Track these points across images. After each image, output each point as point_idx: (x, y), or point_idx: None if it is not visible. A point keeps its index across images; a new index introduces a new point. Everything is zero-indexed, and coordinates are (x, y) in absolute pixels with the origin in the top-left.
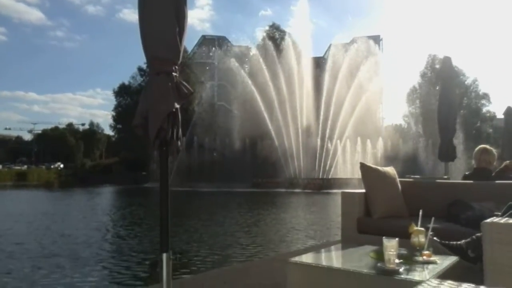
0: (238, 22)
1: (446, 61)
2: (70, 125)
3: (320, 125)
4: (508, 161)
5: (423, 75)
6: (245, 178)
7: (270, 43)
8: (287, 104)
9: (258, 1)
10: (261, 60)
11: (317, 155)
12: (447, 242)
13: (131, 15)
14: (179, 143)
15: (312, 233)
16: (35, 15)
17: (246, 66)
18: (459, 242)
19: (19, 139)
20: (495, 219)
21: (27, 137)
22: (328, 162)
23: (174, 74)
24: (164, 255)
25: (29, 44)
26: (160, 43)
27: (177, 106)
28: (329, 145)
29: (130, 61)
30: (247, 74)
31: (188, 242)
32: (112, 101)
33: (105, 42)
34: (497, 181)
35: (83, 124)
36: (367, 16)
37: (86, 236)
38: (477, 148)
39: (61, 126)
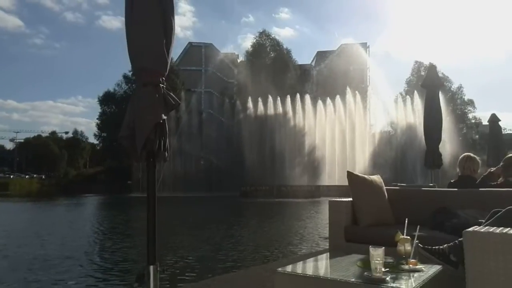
0: (221, 29)
1: (431, 69)
2: (53, 133)
3: (309, 132)
4: (492, 168)
5: (409, 82)
6: (233, 186)
7: (259, 50)
8: (276, 112)
9: (240, 8)
10: (249, 66)
11: (306, 162)
12: (429, 247)
13: (111, 22)
14: (166, 154)
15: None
16: (12, 22)
17: (234, 72)
18: (441, 247)
19: (0, 148)
20: (476, 228)
21: (9, 146)
22: (317, 169)
23: (161, 85)
24: (151, 267)
25: (7, 52)
26: (148, 54)
27: (164, 117)
28: (318, 152)
29: (111, 68)
30: (234, 81)
31: (175, 253)
32: (94, 108)
33: (84, 49)
34: (481, 189)
35: (66, 133)
36: (351, 23)
37: (69, 248)
38: (461, 156)
39: (44, 135)
